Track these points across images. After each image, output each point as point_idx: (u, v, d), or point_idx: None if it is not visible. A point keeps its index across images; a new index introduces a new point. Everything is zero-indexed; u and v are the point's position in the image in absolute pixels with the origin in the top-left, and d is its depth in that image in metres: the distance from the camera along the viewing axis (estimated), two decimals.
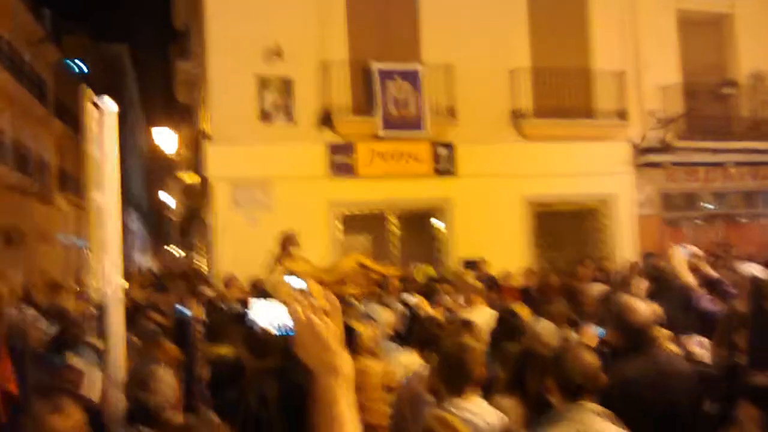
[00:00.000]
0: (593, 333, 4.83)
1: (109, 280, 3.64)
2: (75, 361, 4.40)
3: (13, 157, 21.11)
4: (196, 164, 15.51)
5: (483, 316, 5.63)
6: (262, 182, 12.63)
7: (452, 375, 3.45)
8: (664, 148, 14.61)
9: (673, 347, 4.51)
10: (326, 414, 1.53)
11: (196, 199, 17.73)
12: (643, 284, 6.54)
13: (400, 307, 7.72)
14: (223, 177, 12.65)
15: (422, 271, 11.90)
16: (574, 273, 10.80)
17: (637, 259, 12.73)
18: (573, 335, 5.20)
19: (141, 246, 46.77)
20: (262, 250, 9.44)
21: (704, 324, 4.98)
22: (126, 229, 33.55)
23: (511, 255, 12.99)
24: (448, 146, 13.55)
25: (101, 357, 4.24)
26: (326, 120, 13.01)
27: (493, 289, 9.39)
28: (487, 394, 3.61)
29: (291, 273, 8.36)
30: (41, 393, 3.42)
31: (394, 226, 13.66)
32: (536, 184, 13.76)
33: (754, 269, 5.48)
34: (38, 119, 23.98)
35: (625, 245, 14.37)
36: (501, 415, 3.39)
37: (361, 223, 13.61)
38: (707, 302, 5.09)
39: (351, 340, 4.75)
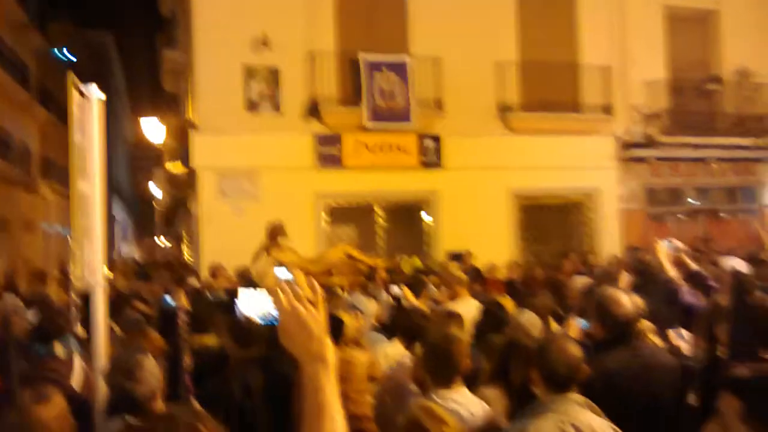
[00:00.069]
0: (577, 325, 4.87)
1: (92, 268, 3.62)
2: (60, 350, 4.38)
3: None
4: (182, 154, 15.41)
5: (468, 308, 5.65)
6: (248, 172, 12.60)
7: (438, 366, 3.46)
8: (649, 143, 14.72)
9: (656, 340, 4.56)
10: (311, 402, 1.54)
11: (182, 188, 17.64)
12: (627, 278, 6.59)
13: (386, 298, 7.74)
14: (209, 167, 12.60)
15: (409, 263, 11.92)
16: (559, 266, 10.87)
17: (621, 253, 12.83)
18: (557, 328, 5.24)
19: (125, 236, 46.50)
20: (247, 241, 9.42)
21: (687, 317, 5.03)
22: (110, 219, 33.35)
23: (496, 248, 13.05)
24: (435, 138, 13.57)
25: (84, 346, 4.22)
26: (313, 111, 12.98)
27: (478, 281, 9.43)
28: (472, 385, 3.63)
29: (278, 263, 8.37)
30: (25, 383, 3.39)
31: (380, 218, 13.67)
32: (522, 177, 13.82)
33: (735, 263, 5.54)
34: (21, 106, 23.70)
35: (609, 239, 14.47)
36: (486, 406, 3.41)
37: (348, 214, 13.61)
38: (690, 296, 5.14)
39: (336, 329, 4.76)
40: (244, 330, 3.97)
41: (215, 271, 10.40)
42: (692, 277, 5.55)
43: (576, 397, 2.95)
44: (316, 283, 1.65)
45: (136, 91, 44.66)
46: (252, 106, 12.82)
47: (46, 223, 25.65)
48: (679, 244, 5.68)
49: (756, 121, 15.53)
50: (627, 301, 3.83)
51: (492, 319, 4.97)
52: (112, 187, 35.48)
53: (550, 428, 2.81)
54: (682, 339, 4.80)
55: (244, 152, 12.44)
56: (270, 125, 12.71)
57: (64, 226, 24.99)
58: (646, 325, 4.55)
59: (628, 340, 3.73)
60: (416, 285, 7.93)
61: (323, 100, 12.94)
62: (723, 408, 1.69)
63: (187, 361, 4.73)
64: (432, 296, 7.66)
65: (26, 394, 2.79)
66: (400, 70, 13.12)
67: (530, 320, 4.56)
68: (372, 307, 7.10)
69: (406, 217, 14.00)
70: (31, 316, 6.31)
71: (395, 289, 7.96)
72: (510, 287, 9.48)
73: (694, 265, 5.99)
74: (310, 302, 1.60)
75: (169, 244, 32.76)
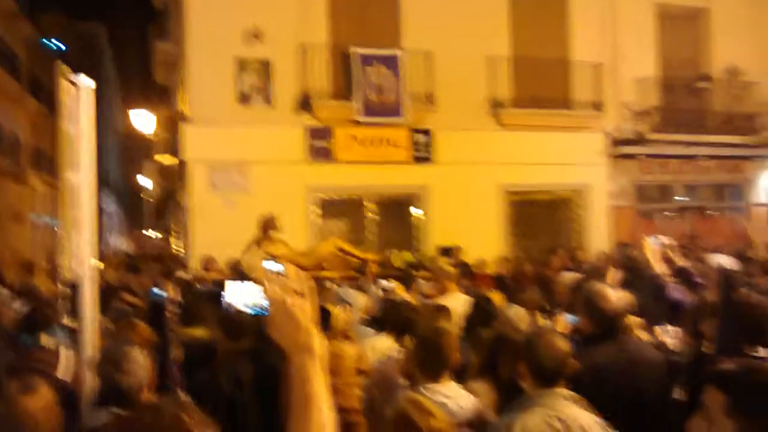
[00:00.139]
0: (565, 321, 4.90)
1: (82, 259, 3.61)
2: (47, 341, 4.37)
3: None
4: (173, 146, 15.36)
5: (457, 302, 5.67)
6: (239, 165, 12.56)
7: (428, 359, 3.47)
8: (639, 140, 14.77)
9: (643, 335, 4.59)
10: (298, 393, 1.54)
11: (173, 181, 17.58)
12: (615, 274, 6.62)
13: (376, 291, 7.75)
14: (200, 159, 12.56)
15: (401, 257, 11.95)
16: (548, 262, 10.92)
17: (610, 249, 12.90)
18: (545, 322, 5.26)
19: (116, 227, 46.29)
20: (238, 233, 9.40)
21: (674, 313, 5.07)
22: (101, 211, 33.17)
23: (486, 243, 13.08)
24: (427, 133, 13.57)
25: (73, 337, 4.21)
26: (305, 104, 12.96)
27: (468, 276, 9.46)
28: (460, 378, 3.64)
29: (270, 256, 8.37)
30: (13, 373, 3.38)
31: (371, 212, 13.67)
32: (512, 172, 13.85)
33: (722, 260, 5.58)
34: (11, 96, 23.53)
35: (598, 235, 14.53)
36: (475, 400, 3.42)
37: (339, 208, 13.61)
38: (677, 292, 5.19)
39: (323, 321, 4.77)
40: (233, 322, 3.97)
41: (207, 264, 10.40)
42: (679, 274, 5.59)
43: (563, 391, 2.97)
44: (306, 276, 1.65)
45: (128, 83, 44.41)
46: (243, 98, 12.78)
47: (36, 214, 25.50)
48: (667, 241, 5.71)
49: (745, 119, 15.62)
50: (614, 296, 3.86)
51: (481, 313, 4.99)
52: (103, 179, 35.28)
53: (537, 422, 2.83)
54: (669, 334, 4.84)
55: (236, 145, 12.40)
56: (261, 118, 12.68)
57: (53, 217, 24.85)
58: (633, 320, 4.59)
59: (615, 335, 3.76)
60: (406, 279, 7.96)
61: (315, 94, 12.92)
62: (708, 402, 1.71)
63: (177, 352, 4.72)
64: (421, 290, 7.68)
65: (13, 384, 2.78)
66: (391, 64, 13.11)
67: (518, 315, 4.58)
68: (361, 301, 7.11)
69: (396, 211, 14.00)
70: (19, 306, 6.30)
71: (385, 282, 7.98)
72: (499, 282, 9.52)
73: (681, 262, 6.03)
74: (299, 293, 1.60)
75: (159, 236, 32.65)
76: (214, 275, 9.48)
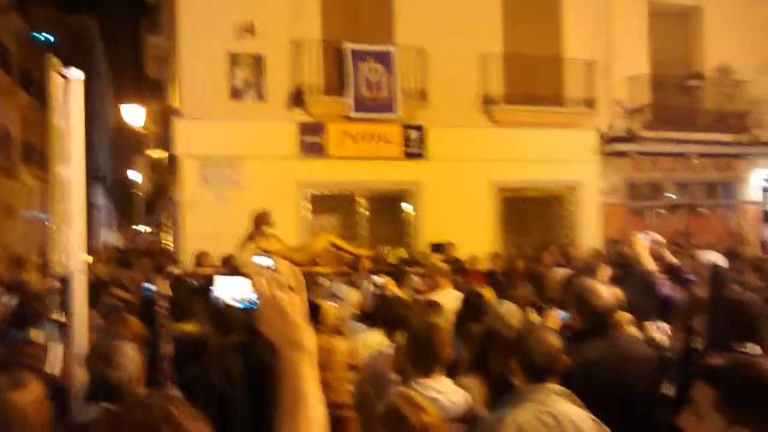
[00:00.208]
0: (557, 317, 4.91)
1: (72, 253, 3.59)
2: (37, 335, 4.35)
3: None
4: (164, 140, 15.31)
5: (449, 299, 5.68)
6: (231, 160, 12.53)
7: (420, 354, 3.47)
8: (630, 137, 14.81)
9: (634, 331, 4.61)
10: (288, 388, 1.54)
11: (164, 175, 17.53)
12: (607, 270, 6.64)
13: (369, 287, 7.75)
14: (191, 154, 12.52)
15: (394, 254, 11.95)
16: (539, 258, 10.95)
17: (601, 245, 12.94)
18: (537, 319, 5.28)
19: (106, 222, 46.11)
20: (230, 229, 9.39)
21: (664, 309, 5.08)
22: (91, 205, 33.05)
23: (478, 239, 13.10)
24: (419, 129, 13.57)
25: (63, 331, 4.19)
26: (297, 99, 12.93)
27: (460, 272, 9.47)
28: (452, 374, 3.65)
29: (263, 251, 8.35)
30: (1, 368, 3.36)
31: (362, 208, 13.66)
32: (504, 169, 13.87)
33: (713, 258, 5.60)
34: (2, 90, 23.38)
35: (589, 232, 14.58)
36: (466, 395, 3.43)
37: (330, 203, 13.60)
38: (668, 288, 5.20)
39: (315, 317, 4.77)
40: (223, 316, 3.96)
41: (200, 259, 10.37)
42: (670, 271, 5.62)
43: (554, 387, 2.98)
44: (295, 269, 1.64)
45: (119, 77, 44.15)
46: (236, 93, 12.74)
47: (27, 208, 25.37)
48: (659, 238, 5.73)
49: (736, 117, 15.69)
50: (605, 292, 3.87)
51: (472, 309, 5.00)
52: (94, 174, 35.15)
53: (528, 417, 2.83)
54: (660, 331, 4.86)
55: (228, 140, 12.37)
56: (254, 113, 12.65)
57: (45, 211, 24.72)
58: (624, 316, 4.60)
59: (605, 331, 3.77)
60: (398, 275, 7.97)
61: (307, 89, 12.89)
62: (697, 396, 1.71)
63: (168, 347, 4.71)
64: (413, 286, 7.69)
65: (2, 379, 2.77)
66: (384, 60, 13.09)
67: (509, 311, 4.59)
68: (353, 296, 7.11)
69: (388, 207, 14.01)
70: (7, 301, 6.27)
71: (377, 278, 7.98)
72: (490, 278, 9.54)
73: (672, 259, 6.05)
74: (289, 288, 1.60)
75: (150, 231, 32.55)
76: (207, 270, 9.46)
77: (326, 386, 1.64)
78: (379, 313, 5.25)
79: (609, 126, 14.90)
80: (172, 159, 13.56)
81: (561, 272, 7.26)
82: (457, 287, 6.70)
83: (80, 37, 36.72)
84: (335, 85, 13.08)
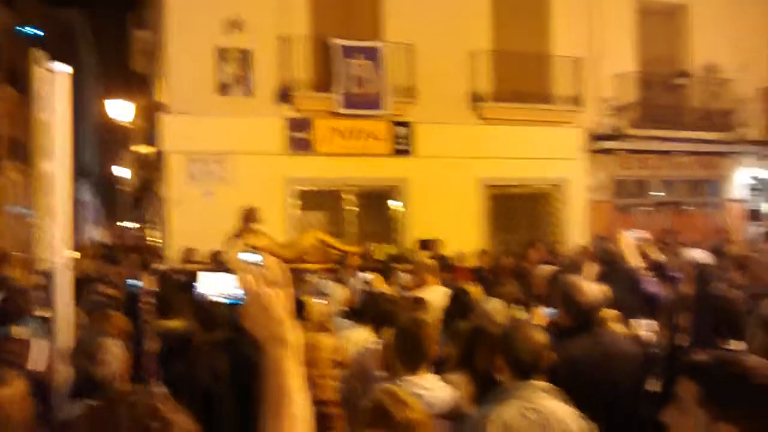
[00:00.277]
0: (543, 314, 4.93)
1: (57, 249, 3.56)
2: (20, 331, 4.31)
3: None
4: (151, 136, 15.22)
5: (436, 295, 5.68)
6: (218, 156, 12.47)
7: (407, 351, 3.47)
8: (617, 135, 14.87)
9: (620, 328, 4.63)
10: (273, 384, 1.53)
11: (150, 171, 17.42)
12: (593, 267, 6.67)
13: (356, 283, 7.74)
14: (178, 149, 12.45)
15: (383, 250, 11.96)
16: (526, 255, 10.98)
17: (588, 243, 12.99)
18: (523, 315, 5.29)
19: (92, 218, 45.81)
20: (216, 225, 9.35)
21: (650, 306, 5.12)
22: (77, 200, 32.80)
23: (465, 236, 13.12)
24: (407, 126, 13.56)
25: (47, 327, 4.16)
26: (285, 95, 12.88)
27: (447, 269, 9.48)
28: (438, 370, 3.65)
29: (251, 248, 8.32)
30: None
31: (350, 204, 13.65)
32: (492, 166, 13.90)
33: (698, 255, 5.64)
34: None
35: (576, 229, 14.63)
36: (453, 392, 3.43)
37: (318, 199, 13.57)
38: (653, 285, 5.24)
39: (300, 313, 4.76)
40: (208, 313, 3.95)
41: (187, 255, 10.33)
42: (656, 268, 5.65)
43: (540, 383, 2.98)
44: (281, 265, 1.63)
45: (106, 72, 43.83)
46: (223, 88, 12.67)
47: (12, 204, 25.14)
48: (644, 235, 5.76)
49: (722, 116, 15.80)
50: (591, 289, 3.89)
51: (458, 305, 5.01)
52: (80, 170, 34.87)
53: (513, 414, 2.84)
54: (644, 327, 4.89)
55: (215, 135, 12.31)
56: (241, 108, 12.58)
57: (29, 207, 24.49)
58: (609, 313, 4.62)
59: (590, 328, 3.79)
60: (386, 271, 7.96)
61: (295, 85, 12.85)
62: (681, 392, 1.72)
63: (153, 344, 4.69)
64: (401, 283, 7.68)
65: None
66: (373, 56, 13.07)
67: (496, 307, 4.60)
68: (341, 293, 7.10)
69: (376, 203, 14.00)
70: None
71: (365, 275, 7.98)
72: (478, 275, 9.55)
73: (658, 256, 6.09)
74: (276, 285, 1.59)
75: (137, 227, 32.37)
76: (194, 267, 9.42)
77: (312, 383, 1.63)
78: (367, 310, 5.24)
79: (596, 123, 14.96)
80: (159, 154, 13.48)
81: (547, 269, 7.29)
82: (443, 284, 6.70)
83: (67, 32, 36.42)
84: (323, 80, 13.04)
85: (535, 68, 14.44)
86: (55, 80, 3.54)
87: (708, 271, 4.45)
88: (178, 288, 6.20)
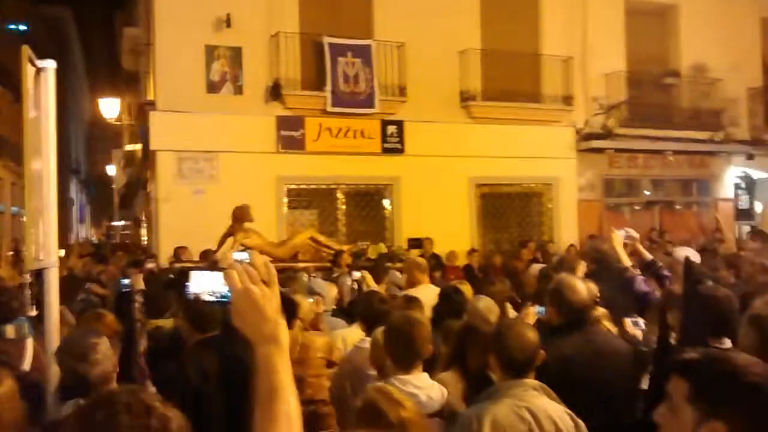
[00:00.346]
0: (534, 312, 4.93)
1: (45, 249, 3.53)
2: (8, 331, 4.28)
3: None
4: (141, 134, 15.15)
5: (428, 294, 5.68)
6: (208, 154, 12.42)
7: (400, 350, 3.46)
8: (607, 134, 14.93)
9: (610, 326, 4.65)
10: (263, 383, 1.53)
11: (140, 169, 17.37)
12: (584, 266, 6.69)
13: (348, 283, 7.73)
14: (168, 148, 12.39)
15: (376, 249, 11.96)
16: (517, 254, 11.02)
17: (579, 241, 13.05)
18: (515, 314, 5.30)
19: (82, 217, 45.60)
20: (207, 223, 9.33)
21: (641, 305, 5.13)
22: (67, 200, 32.64)
23: (456, 235, 13.14)
24: (398, 124, 13.56)
25: (37, 327, 4.13)
26: (275, 93, 12.84)
27: (438, 268, 9.50)
28: (430, 369, 3.65)
29: (243, 246, 8.31)
30: None
31: (341, 203, 13.63)
32: (482, 165, 13.92)
33: (688, 254, 5.65)
34: None
35: (567, 228, 14.68)
36: (444, 391, 3.43)
37: (308, 198, 13.56)
38: (642, 284, 5.25)
39: (289, 312, 4.74)
40: (199, 312, 3.93)
41: (178, 253, 10.29)
42: (646, 267, 5.66)
43: (532, 382, 2.99)
44: (269, 263, 1.63)
45: (95, 70, 43.62)
46: (213, 87, 12.62)
47: (3, 203, 24.96)
48: (634, 233, 5.78)
49: (711, 115, 15.89)
50: (582, 288, 3.89)
51: (450, 304, 5.01)
52: (69, 168, 34.72)
53: (505, 413, 2.84)
54: (637, 326, 4.91)
55: (205, 133, 12.25)
56: (231, 107, 12.54)
57: (18, 206, 24.34)
58: (600, 311, 4.64)
59: (582, 327, 3.80)
60: (378, 270, 7.96)
61: (286, 83, 12.81)
62: (671, 390, 1.73)
63: (143, 343, 4.66)
64: (393, 282, 7.69)
65: None
66: (363, 54, 13.06)
67: (488, 306, 4.61)
68: (332, 292, 7.09)
69: (366, 202, 13.99)
70: None
71: (357, 274, 7.97)
72: (468, 274, 9.58)
73: (648, 255, 6.10)
74: (264, 282, 1.58)
75: (126, 225, 32.26)
76: (185, 265, 9.39)
77: (302, 382, 1.63)
78: (358, 309, 5.24)
79: (585, 122, 15.01)
80: (148, 152, 13.42)
81: (539, 268, 7.31)
82: (434, 283, 6.71)
83: (55, 29, 36.17)
84: (313, 79, 13.02)
85: (525, 67, 14.48)
86: (41, 76, 3.51)
87: (697, 270, 4.46)
88: (167, 287, 6.17)
